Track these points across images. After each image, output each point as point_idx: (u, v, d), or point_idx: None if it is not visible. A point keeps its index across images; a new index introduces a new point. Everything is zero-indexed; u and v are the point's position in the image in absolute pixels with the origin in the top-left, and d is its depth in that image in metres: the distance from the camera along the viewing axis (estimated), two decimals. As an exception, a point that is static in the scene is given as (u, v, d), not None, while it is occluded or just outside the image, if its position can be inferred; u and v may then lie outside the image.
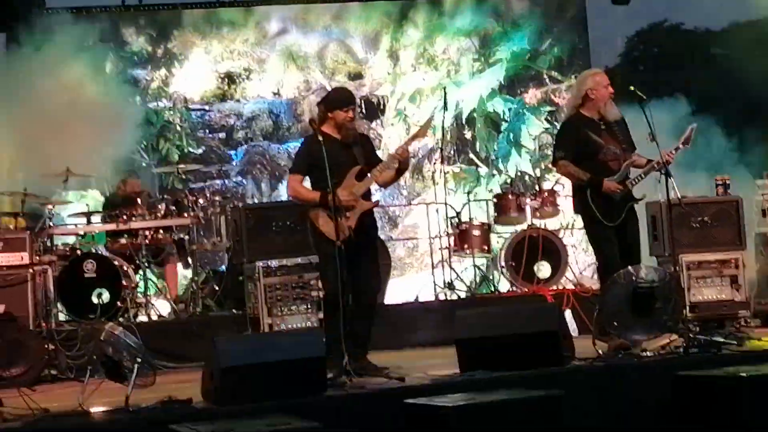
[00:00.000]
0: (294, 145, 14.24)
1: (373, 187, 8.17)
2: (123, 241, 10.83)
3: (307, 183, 8.00)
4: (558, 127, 8.83)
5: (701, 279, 9.88)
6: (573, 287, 11.02)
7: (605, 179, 8.39)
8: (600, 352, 7.65)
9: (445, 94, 12.55)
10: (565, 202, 11.16)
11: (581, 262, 12.07)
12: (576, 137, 8.52)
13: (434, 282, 11.65)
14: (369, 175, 7.94)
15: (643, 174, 8.50)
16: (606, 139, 8.49)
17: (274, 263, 9.72)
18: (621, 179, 8.44)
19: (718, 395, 6.19)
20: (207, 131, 14.21)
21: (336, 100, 8.05)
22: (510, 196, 11.90)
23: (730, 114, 13.77)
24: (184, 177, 12.79)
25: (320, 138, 7.69)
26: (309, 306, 9.63)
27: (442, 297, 11.33)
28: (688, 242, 9.96)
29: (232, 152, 14.29)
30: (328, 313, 7.82)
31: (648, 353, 7.50)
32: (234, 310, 10.54)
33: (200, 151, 14.08)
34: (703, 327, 8.65)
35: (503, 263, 11.43)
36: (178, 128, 14.02)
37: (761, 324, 9.86)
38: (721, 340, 7.82)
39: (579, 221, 9.00)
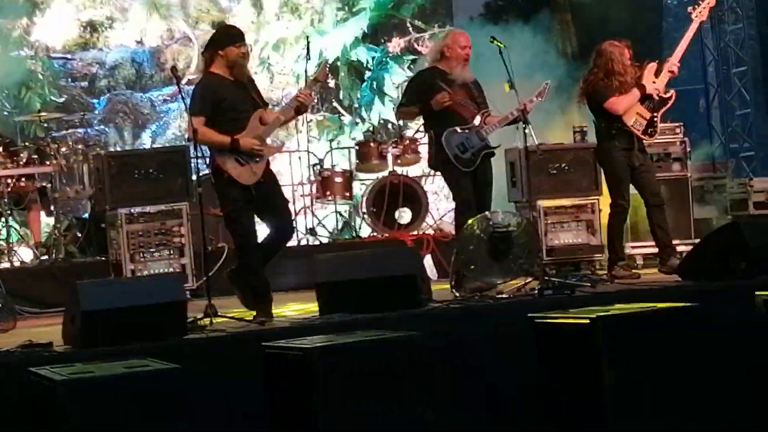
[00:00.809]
0: (157, 94, 14.27)
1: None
2: (-16, 189, 10.65)
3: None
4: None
5: (558, 224, 10.18)
6: (433, 232, 11.20)
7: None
8: (457, 294, 7.78)
9: (309, 43, 12.48)
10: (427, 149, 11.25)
11: (441, 209, 12.26)
12: (422, 86, 8.66)
13: (296, 228, 11.67)
14: (271, 118, 7.66)
15: (497, 123, 8.58)
16: (457, 92, 8.58)
17: (136, 210, 9.70)
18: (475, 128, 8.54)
19: (569, 336, 6.31)
20: (69, 80, 13.94)
21: (228, 35, 7.74)
22: (372, 144, 12.01)
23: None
24: (45, 125, 12.54)
25: (216, 78, 7.53)
26: (171, 252, 9.67)
27: (304, 243, 11.37)
28: (546, 188, 10.25)
29: (95, 101, 14.05)
30: (246, 256, 7.64)
31: (503, 295, 7.67)
32: (97, 257, 10.49)
33: (62, 99, 13.80)
34: (559, 270, 8.84)
35: (365, 209, 11.53)
36: (40, 77, 13.70)
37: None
38: (575, 282, 7.98)
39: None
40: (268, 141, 7.79)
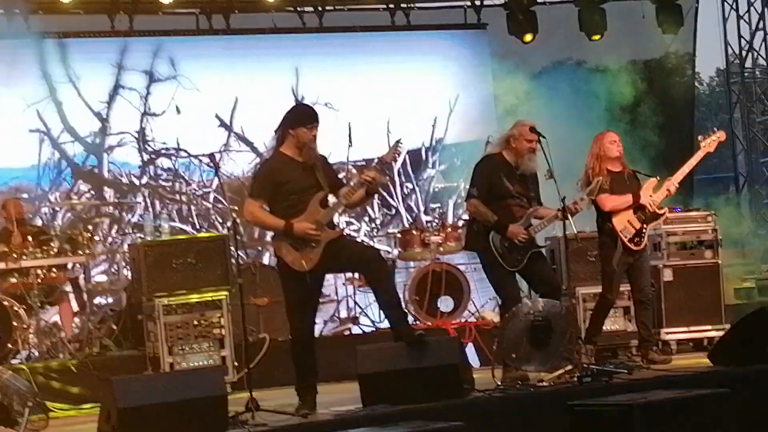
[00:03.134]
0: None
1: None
2: (13, 280, 10.62)
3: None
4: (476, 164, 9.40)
5: (596, 311, 10.67)
6: (475, 320, 11.67)
7: (511, 224, 8.86)
8: (499, 383, 8.27)
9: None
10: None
11: (483, 296, 12.58)
12: (489, 177, 9.02)
13: (338, 317, 12.12)
14: (334, 200, 7.88)
15: (546, 222, 9.08)
16: (516, 187, 9.01)
17: (174, 301, 9.90)
18: (524, 226, 8.94)
19: (608, 422, 6.83)
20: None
21: (299, 115, 7.98)
22: (414, 231, 12.41)
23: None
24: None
25: (283, 159, 7.79)
26: (211, 344, 9.90)
27: (346, 332, 11.82)
28: (584, 275, 10.96)
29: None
30: (294, 347, 7.97)
31: (544, 383, 8.19)
32: (133, 350, 10.61)
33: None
34: (597, 357, 9.36)
35: (407, 297, 11.91)
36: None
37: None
38: (613, 369, 8.58)
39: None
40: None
